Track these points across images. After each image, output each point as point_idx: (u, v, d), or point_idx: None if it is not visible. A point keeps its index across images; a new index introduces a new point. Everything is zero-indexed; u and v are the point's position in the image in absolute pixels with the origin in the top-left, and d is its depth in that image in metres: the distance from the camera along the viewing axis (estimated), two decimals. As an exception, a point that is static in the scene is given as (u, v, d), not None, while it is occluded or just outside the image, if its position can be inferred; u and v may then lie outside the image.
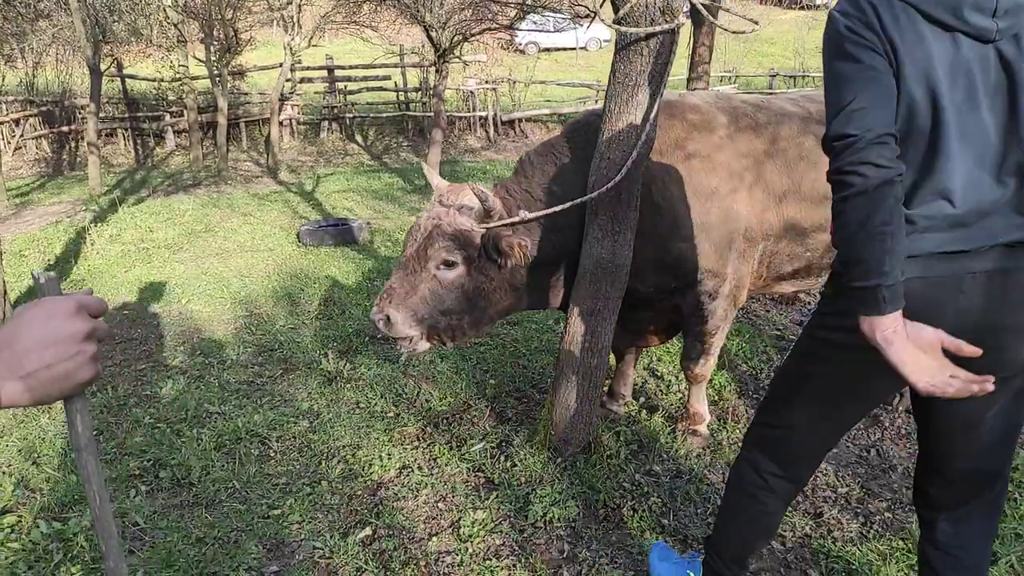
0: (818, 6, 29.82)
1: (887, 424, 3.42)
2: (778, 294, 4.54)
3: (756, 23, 2.68)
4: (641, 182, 2.74)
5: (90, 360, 0.88)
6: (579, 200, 2.71)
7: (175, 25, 11.73)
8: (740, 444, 2.82)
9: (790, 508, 2.77)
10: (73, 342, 0.86)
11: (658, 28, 2.37)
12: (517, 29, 14.03)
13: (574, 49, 24.60)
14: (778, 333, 4.55)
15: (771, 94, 3.77)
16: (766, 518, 2.00)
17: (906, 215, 1.52)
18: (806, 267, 3.16)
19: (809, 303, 5.04)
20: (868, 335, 1.46)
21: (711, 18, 2.77)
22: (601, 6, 2.74)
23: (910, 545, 2.54)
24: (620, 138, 2.62)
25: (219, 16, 11.89)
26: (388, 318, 2.76)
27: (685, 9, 2.51)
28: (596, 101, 16.15)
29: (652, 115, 2.55)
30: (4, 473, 3.12)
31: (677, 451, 3.16)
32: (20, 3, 11.78)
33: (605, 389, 3.54)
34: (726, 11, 3.18)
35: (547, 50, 24.69)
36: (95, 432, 3.47)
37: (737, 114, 3.01)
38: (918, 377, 1.41)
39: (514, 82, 16.22)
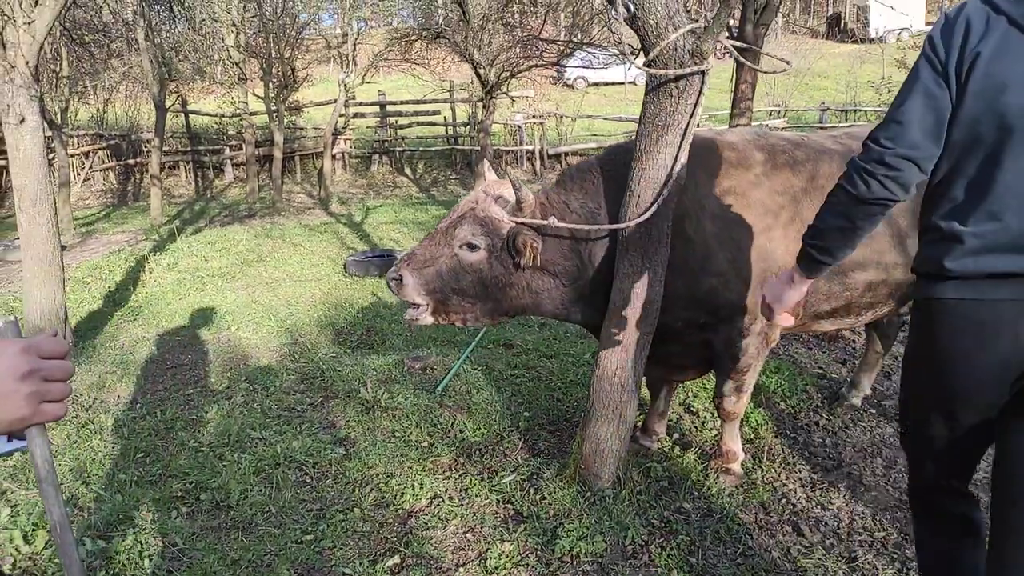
0: (872, 40, 29.49)
1: (930, 468, 3.32)
2: (817, 332, 4.46)
3: (788, 63, 2.71)
4: (672, 217, 2.77)
5: (25, 398, 0.89)
6: (608, 227, 2.76)
7: (237, 64, 12.30)
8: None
9: (823, 551, 2.71)
10: (10, 379, 0.88)
11: (686, 70, 2.42)
12: (564, 66, 14.20)
13: (623, 84, 24.78)
14: (820, 371, 4.46)
15: (821, 127, 3.76)
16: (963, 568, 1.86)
17: (958, 232, 1.53)
18: (845, 306, 3.11)
19: (854, 341, 4.94)
20: (787, 270, 1.88)
21: (745, 61, 2.81)
22: (640, 48, 2.80)
23: (948, 595, 2.45)
24: (649, 176, 2.66)
25: (278, 55, 12.44)
26: (401, 279, 2.87)
27: (716, 51, 2.56)
28: (643, 135, 16.17)
29: (681, 155, 2.58)
30: (56, 491, 3.27)
31: (709, 489, 3.12)
32: (94, 45, 12.52)
33: (639, 424, 3.53)
34: (764, 54, 3.21)
35: (595, 84, 24.95)
36: (142, 454, 3.63)
37: (774, 151, 3.01)
38: (764, 291, 1.97)
39: (561, 116, 16.41)
